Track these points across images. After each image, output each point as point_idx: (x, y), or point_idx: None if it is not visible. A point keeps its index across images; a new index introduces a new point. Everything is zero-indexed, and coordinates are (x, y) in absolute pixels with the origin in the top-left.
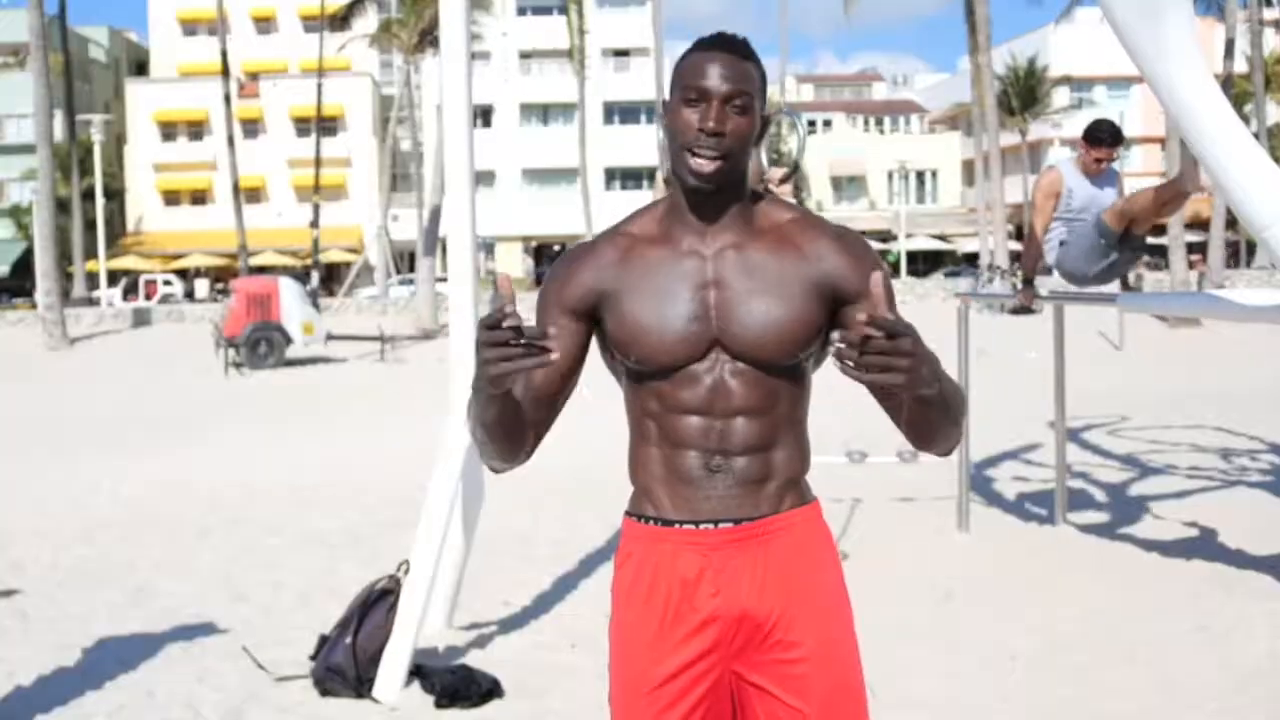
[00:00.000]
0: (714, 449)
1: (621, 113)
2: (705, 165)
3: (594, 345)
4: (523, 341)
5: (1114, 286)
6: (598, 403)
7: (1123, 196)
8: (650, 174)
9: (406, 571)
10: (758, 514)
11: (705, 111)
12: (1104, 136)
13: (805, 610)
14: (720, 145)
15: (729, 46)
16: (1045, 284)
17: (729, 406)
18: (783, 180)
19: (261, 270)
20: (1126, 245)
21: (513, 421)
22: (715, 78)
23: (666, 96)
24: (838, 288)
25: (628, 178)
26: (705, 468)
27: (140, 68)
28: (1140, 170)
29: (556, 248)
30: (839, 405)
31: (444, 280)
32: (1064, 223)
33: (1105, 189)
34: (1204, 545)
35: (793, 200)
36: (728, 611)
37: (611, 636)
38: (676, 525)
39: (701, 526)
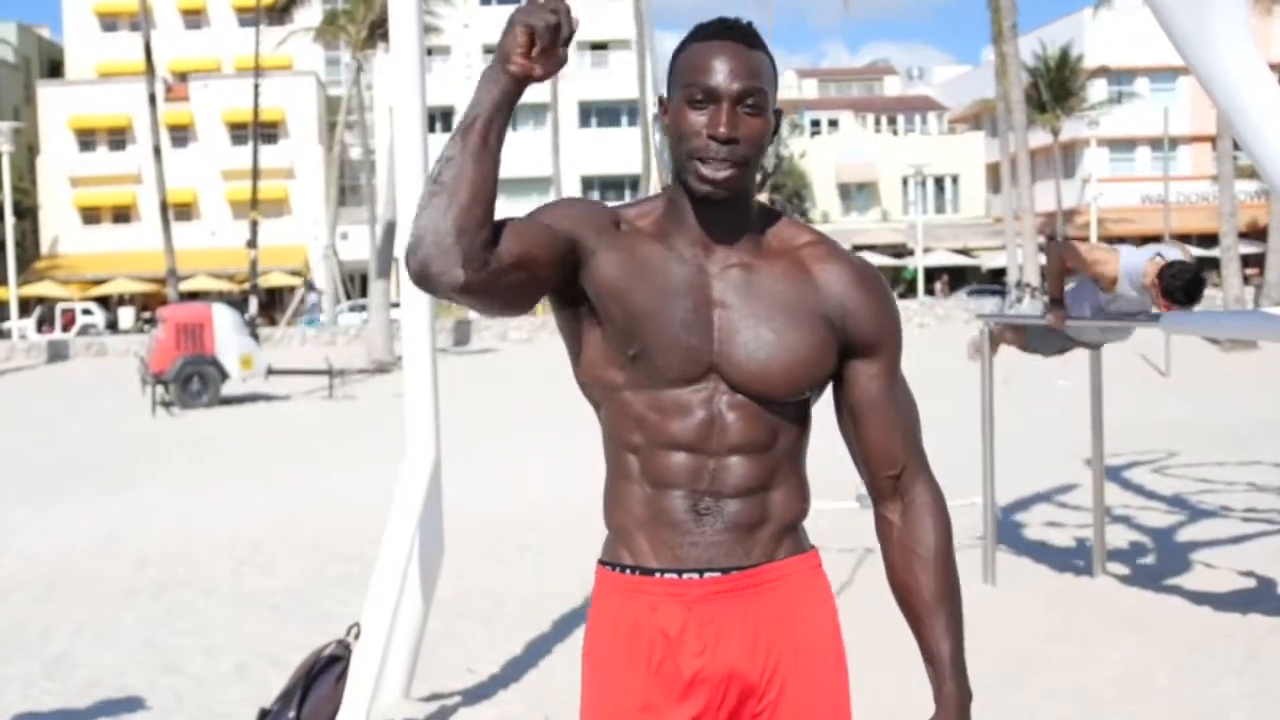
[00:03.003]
0: (704, 490)
1: (599, 114)
2: (718, 172)
3: (569, 368)
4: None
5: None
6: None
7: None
8: (633, 182)
9: (357, 635)
10: (749, 562)
11: (714, 115)
12: (1177, 296)
13: (801, 670)
14: (734, 152)
15: (735, 35)
16: None
17: (724, 443)
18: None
19: (193, 297)
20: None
21: (489, 170)
22: (724, 75)
23: (663, 93)
24: (849, 330)
25: (607, 187)
26: (693, 510)
27: (54, 68)
28: (1190, 173)
29: None
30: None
31: (399, 306)
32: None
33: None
34: (1263, 598)
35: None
36: (715, 671)
37: (584, 708)
38: (657, 574)
39: (685, 576)
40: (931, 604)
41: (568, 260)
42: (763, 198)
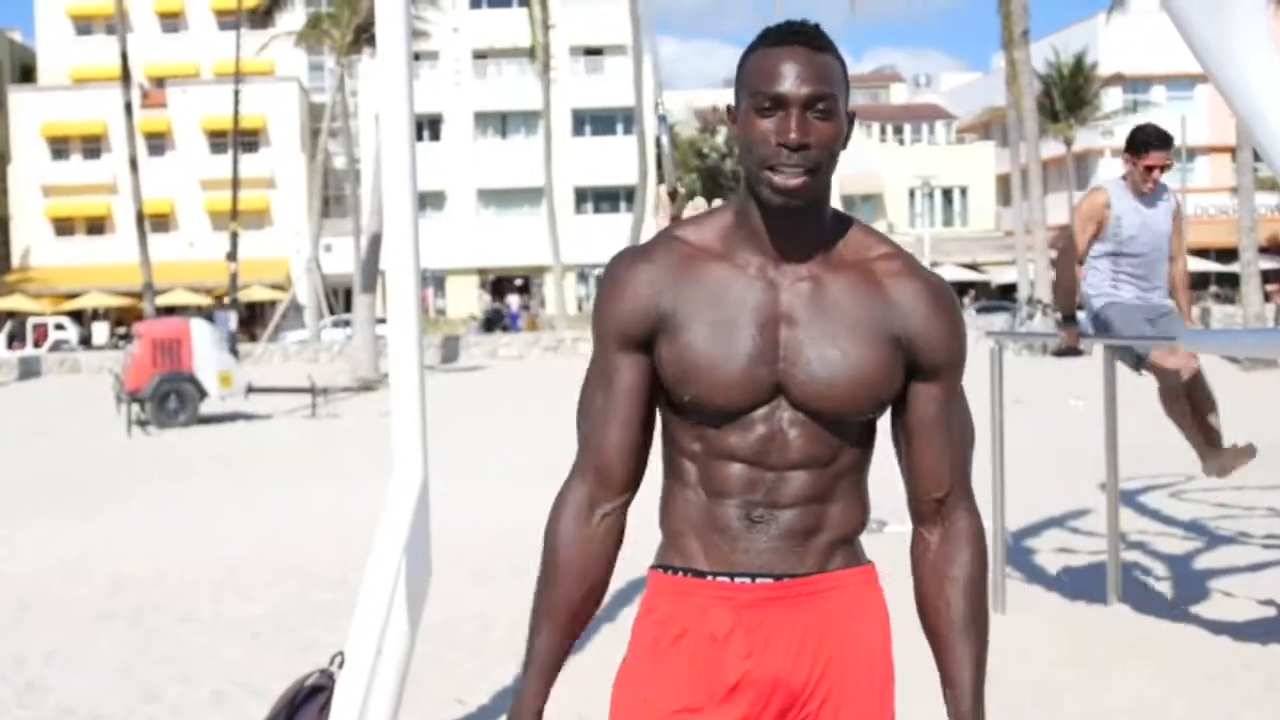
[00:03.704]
0: (760, 501)
1: (594, 121)
2: (791, 180)
3: None
4: None
5: (1173, 321)
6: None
7: (1178, 228)
8: (629, 194)
9: (341, 664)
10: (802, 571)
11: (784, 122)
12: (1150, 140)
13: (848, 683)
14: (806, 158)
15: (801, 38)
16: None
17: (784, 459)
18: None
19: (170, 311)
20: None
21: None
22: (792, 80)
23: (735, 100)
24: (917, 351)
25: (602, 199)
26: (746, 518)
27: (26, 73)
28: (1208, 185)
29: (519, 281)
30: None
31: (385, 321)
32: (1111, 259)
33: (1159, 205)
34: None
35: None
36: (760, 677)
37: (619, 700)
38: (709, 578)
39: (737, 580)
40: (959, 628)
41: (653, 377)
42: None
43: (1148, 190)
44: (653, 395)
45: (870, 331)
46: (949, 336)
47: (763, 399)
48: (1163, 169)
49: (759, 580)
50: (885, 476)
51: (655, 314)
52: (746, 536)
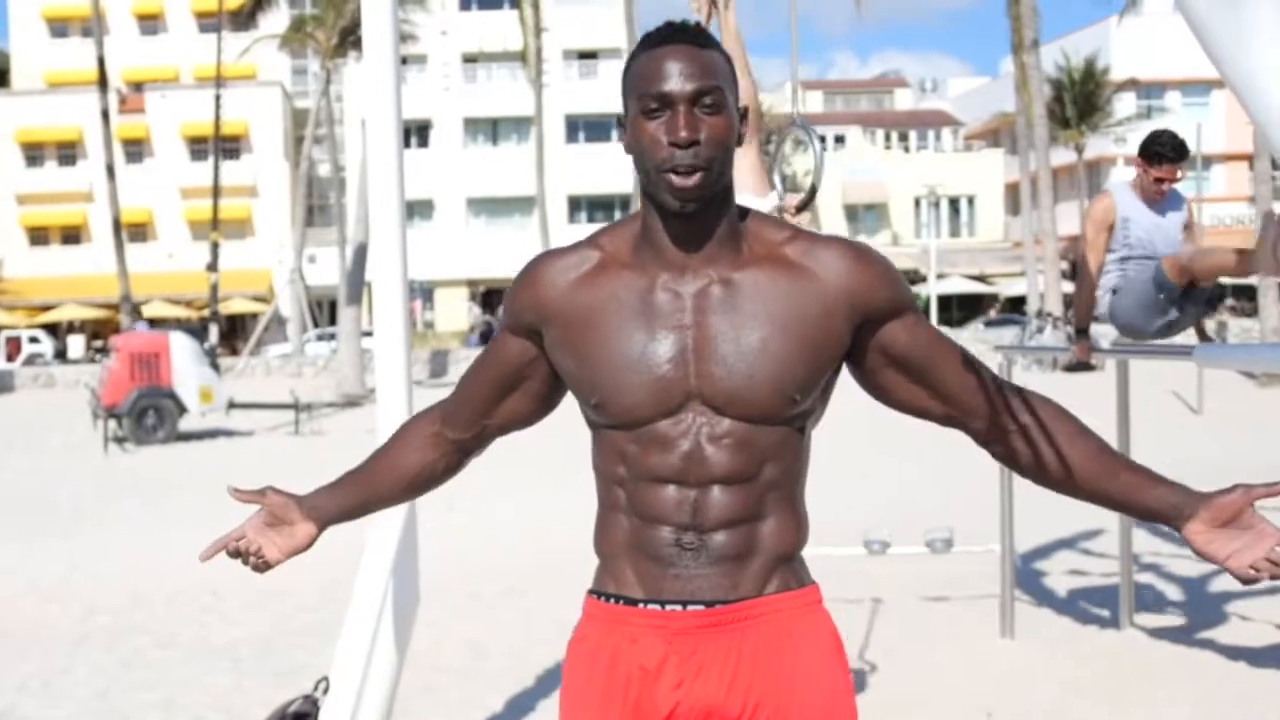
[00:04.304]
0: (686, 524)
1: (588, 128)
2: (688, 179)
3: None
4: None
5: (1189, 335)
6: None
7: (1191, 237)
8: (624, 202)
9: (326, 690)
10: (735, 596)
11: (672, 120)
12: (1164, 150)
13: (791, 709)
14: (699, 155)
15: (683, 37)
16: (1107, 334)
17: (707, 473)
18: (799, 209)
19: (149, 324)
20: (1190, 301)
21: (374, 506)
22: (676, 77)
23: (623, 109)
24: (862, 304)
25: (595, 207)
26: (677, 544)
27: None
28: (1224, 194)
29: None
30: (855, 484)
31: (371, 335)
32: (1119, 262)
33: (1169, 215)
34: None
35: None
36: (692, 706)
37: None
38: (641, 605)
39: (668, 608)
40: (1118, 455)
41: (530, 363)
42: (804, 221)
43: (1157, 198)
44: (521, 378)
45: (792, 317)
46: (886, 276)
47: (674, 404)
48: (1172, 180)
49: (690, 608)
50: (885, 496)
51: (550, 310)
52: (678, 563)
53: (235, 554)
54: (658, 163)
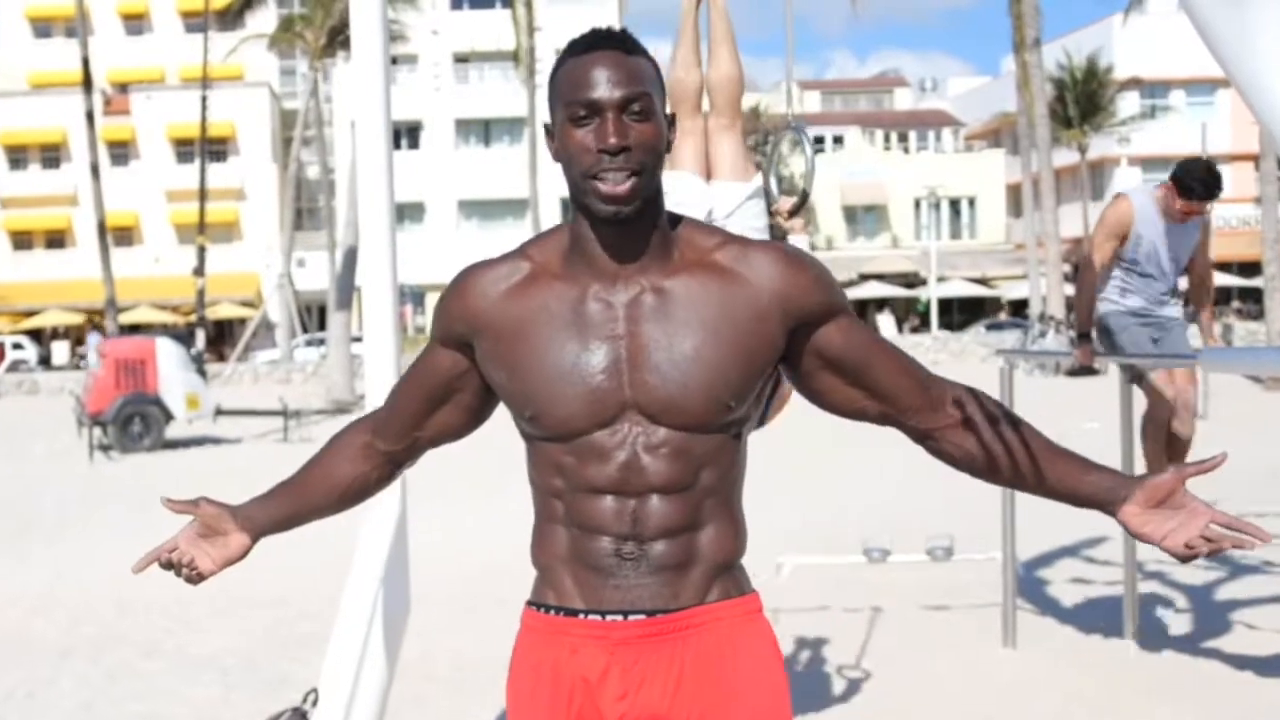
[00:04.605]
0: (626, 534)
1: None
2: (618, 186)
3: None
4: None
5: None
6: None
7: (1203, 252)
8: None
9: (315, 702)
10: (676, 605)
11: (601, 128)
12: (1195, 188)
13: (734, 718)
14: (630, 161)
15: (609, 43)
16: None
17: (644, 483)
18: (791, 213)
19: (135, 330)
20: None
21: (307, 518)
22: (604, 84)
23: (550, 116)
24: (796, 308)
25: None
26: (617, 555)
27: None
28: (1230, 195)
29: None
30: (853, 490)
31: (361, 340)
32: (1124, 272)
33: (1185, 242)
34: None
35: (804, 237)
36: (637, 717)
37: None
38: (581, 616)
39: (609, 618)
40: (1053, 444)
41: (460, 375)
42: (797, 225)
43: (1178, 220)
44: (452, 390)
45: (727, 323)
46: (819, 281)
47: (609, 415)
48: (1199, 214)
49: (631, 618)
50: (884, 501)
51: (481, 322)
52: (618, 573)
53: (168, 565)
54: (587, 170)
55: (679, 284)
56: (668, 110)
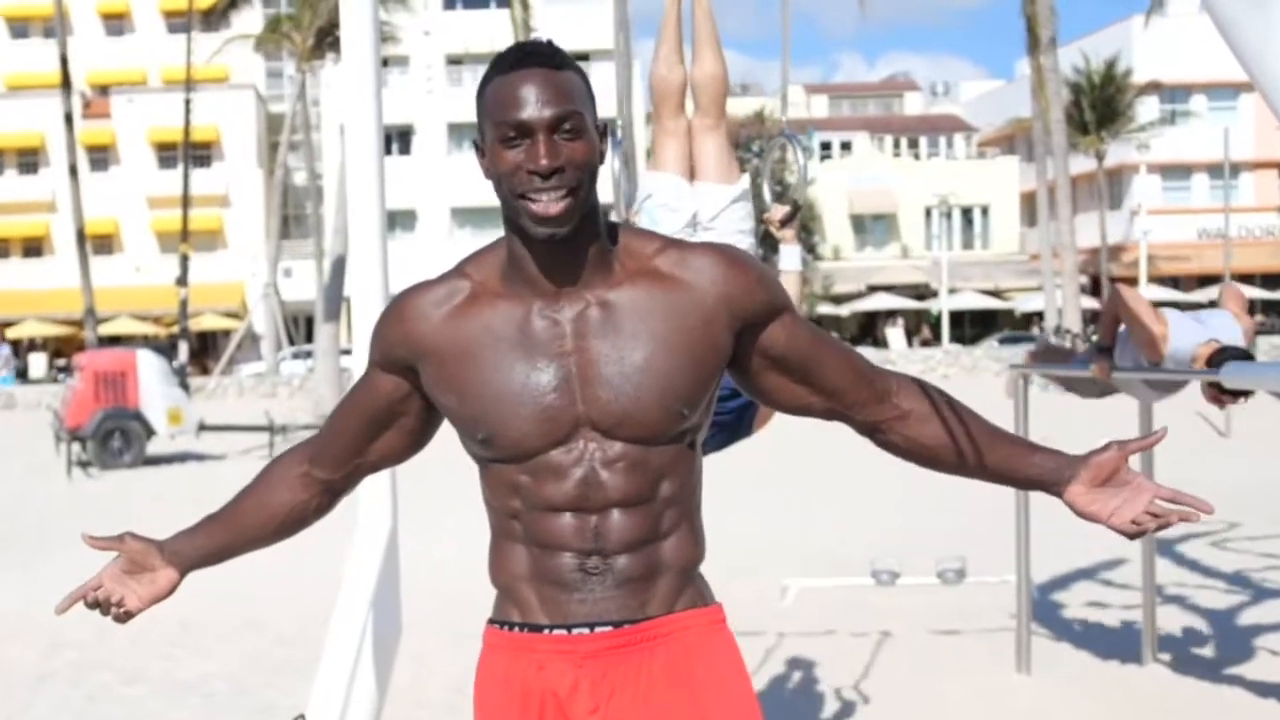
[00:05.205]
0: (590, 549)
1: None
2: (552, 206)
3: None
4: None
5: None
6: None
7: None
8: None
9: None
10: (643, 616)
11: (532, 149)
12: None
13: None
14: (563, 179)
15: (536, 59)
16: None
17: (601, 499)
18: (784, 221)
19: (115, 341)
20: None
21: (240, 549)
22: (533, 104)
23: (480, 133)
24: (740, 309)
25: None
26: (581, 569)
27: None
28: (1253, 204)
29: None
30: (860, 510)
31: (350, 353)
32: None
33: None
34: None
35: (796, 247)
36: None
37: None
38: (546, 631)
39: (575, 632)
40: (997, 429)
41: (402, 400)
42: (790, 234)
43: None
44: (395, 415)
45: (675, 331)
46: (759, 283)
47: (564, 433)
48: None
49: (598, 629)
50: (893, 522)
51: (424, 346)
52: (583, 587)
53: (94, 605)
54: (517, 188)
55: (624, 295)
56: (598, 122)
